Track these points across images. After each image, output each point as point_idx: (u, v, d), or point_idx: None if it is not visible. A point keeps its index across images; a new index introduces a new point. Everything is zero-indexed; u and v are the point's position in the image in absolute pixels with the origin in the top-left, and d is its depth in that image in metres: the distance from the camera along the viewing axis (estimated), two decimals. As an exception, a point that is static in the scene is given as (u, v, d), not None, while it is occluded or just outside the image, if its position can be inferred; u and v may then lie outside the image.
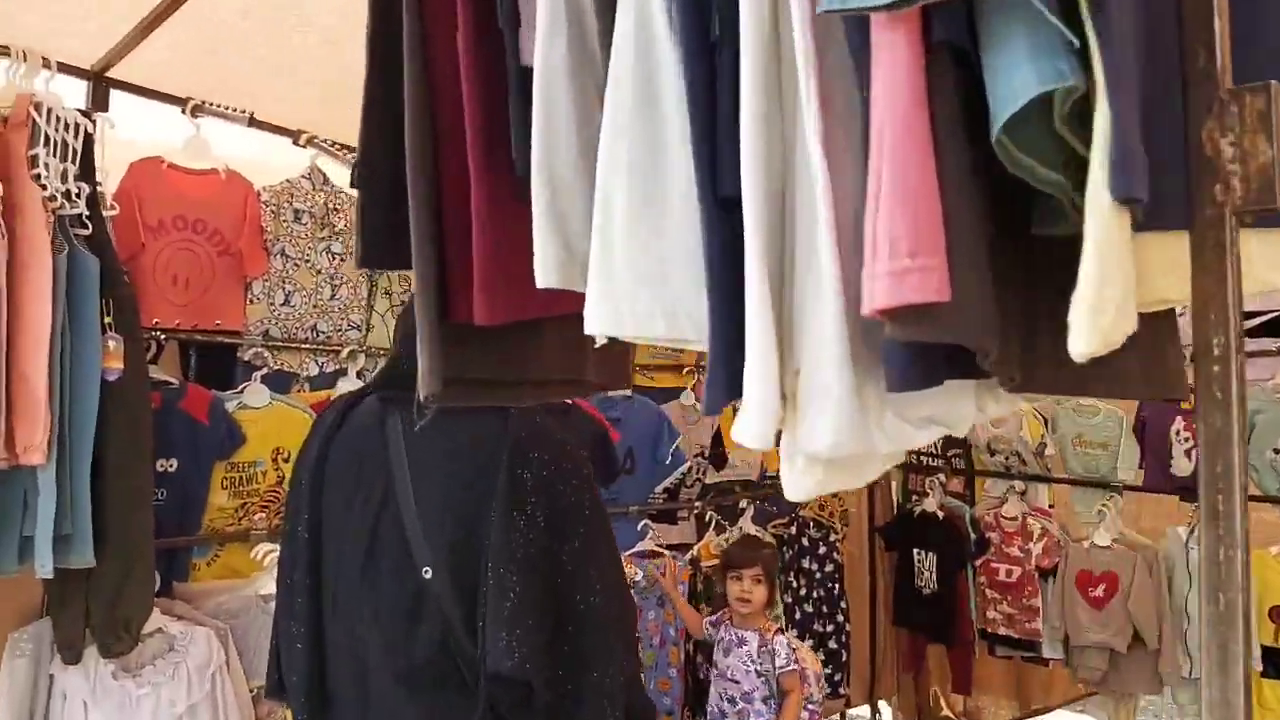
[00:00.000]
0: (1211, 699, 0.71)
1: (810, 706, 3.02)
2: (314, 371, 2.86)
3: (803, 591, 3.85)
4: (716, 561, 3.39)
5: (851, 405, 0.72)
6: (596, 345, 1.00)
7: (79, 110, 2.02)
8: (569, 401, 2.80)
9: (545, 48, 0.91)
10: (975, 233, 0.68)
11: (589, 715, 1.31)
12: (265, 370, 2.66)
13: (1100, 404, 3.81)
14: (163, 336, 2.53)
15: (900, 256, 0.63)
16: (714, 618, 3.16)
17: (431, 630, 1.33)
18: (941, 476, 4.17)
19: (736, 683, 3.02)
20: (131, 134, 2.40)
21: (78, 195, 1.95)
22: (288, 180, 2.78)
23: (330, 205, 2.84)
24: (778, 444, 0.78)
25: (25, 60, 1.96)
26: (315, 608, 1.44)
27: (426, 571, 1.33)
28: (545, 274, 0.88)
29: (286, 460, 2.61)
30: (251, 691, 2.44)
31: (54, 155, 1.91)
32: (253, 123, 2.62)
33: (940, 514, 4.03)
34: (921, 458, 4.35)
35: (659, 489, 3.49)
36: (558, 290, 0.91)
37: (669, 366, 3.78)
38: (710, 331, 0.78)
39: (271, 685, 1.53)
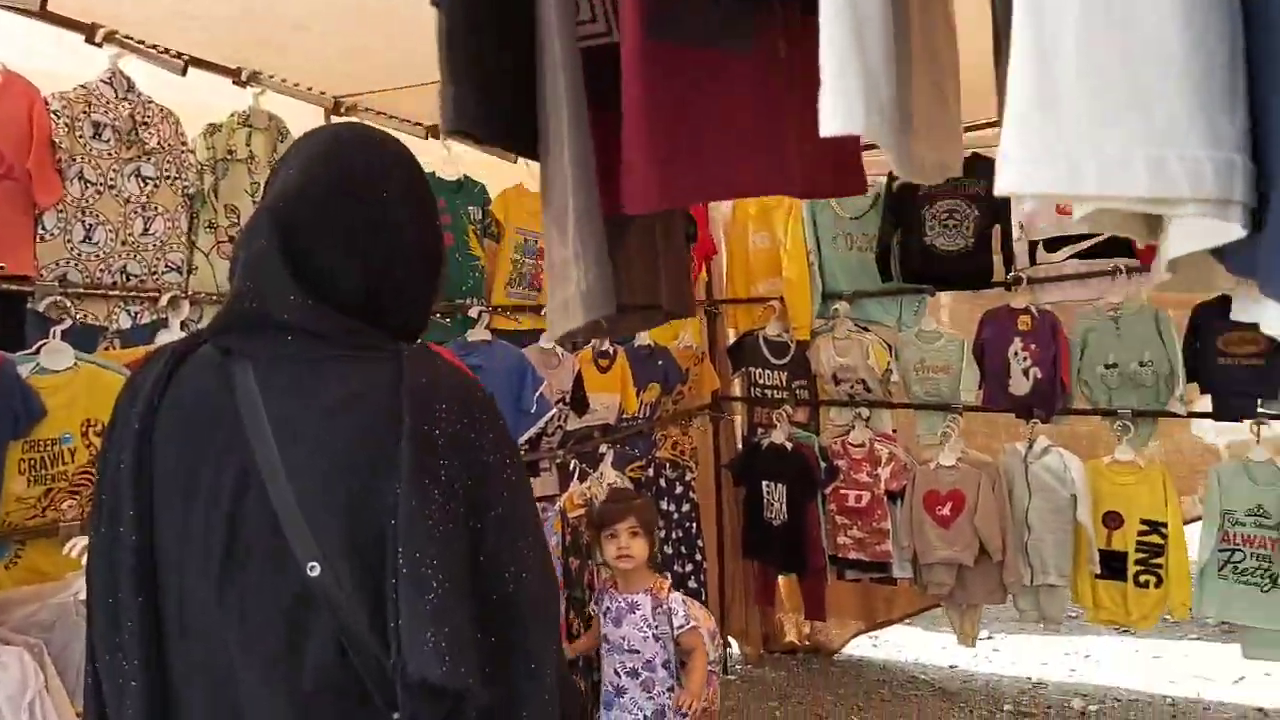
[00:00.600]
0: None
1: (710, 667, 2.86)
2: (126, 324, 2.41)
3: (662, 534, 3.78)
4: (583, 512, 3.21)
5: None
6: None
7: None
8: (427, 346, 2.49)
9: None
10: None
11: (534, 718, 1.11)
12: (66, 324, 2.20)
13: (941, 329, 3.96)
14: (-77, 286, 2.02)
15: None
16: (595, 593, 2.95)
17: (324, 642, 1.06)
18: (788, 408, 4.21)
19: (636, 652, 2.82)
20: None
21: None
22: (83, 86, 2.26)
23: (139, 118, 2.33)
24: None
25: None
26: (152, 634, 1.10)
27: (313, 567, 1.05)
28: (849, 118, 0.64)
29: (99, 434, 2.20)
30: (78, 716, 2.05)
31: None
32: (44, 12, 2.05)
33: (788, 445, 4.08)
34: (767, 390, 4.37)
35: (522, 440, 3.24)
36: (732, 164, 0.68)
37: (529, 307, 3.51)
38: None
39: None
